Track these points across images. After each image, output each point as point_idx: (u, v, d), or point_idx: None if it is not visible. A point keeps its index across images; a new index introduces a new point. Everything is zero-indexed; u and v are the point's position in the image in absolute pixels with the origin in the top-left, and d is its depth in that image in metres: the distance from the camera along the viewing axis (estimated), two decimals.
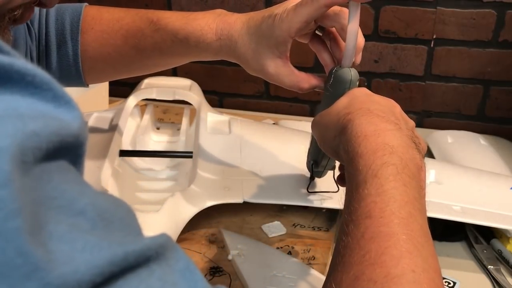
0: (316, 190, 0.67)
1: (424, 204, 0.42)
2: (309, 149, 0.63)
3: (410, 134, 0.47)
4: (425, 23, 0.98)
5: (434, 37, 0.99)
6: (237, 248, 0.62)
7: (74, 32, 0.63)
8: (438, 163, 0.80)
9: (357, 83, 0.54)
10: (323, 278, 0.45)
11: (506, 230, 0.68)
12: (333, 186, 0.61)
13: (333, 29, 0.56)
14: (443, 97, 1.03)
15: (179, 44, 0.60)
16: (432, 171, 0.73)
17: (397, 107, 0.50)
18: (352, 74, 0.53)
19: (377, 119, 0.45)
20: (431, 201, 0.67)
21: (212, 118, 0.79)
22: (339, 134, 0.46)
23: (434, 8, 0.97)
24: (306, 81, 0.59)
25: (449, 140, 0.92)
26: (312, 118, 0.54)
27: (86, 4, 0.66)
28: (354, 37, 0.51)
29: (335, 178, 0.58)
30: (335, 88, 0.54)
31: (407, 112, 1.09)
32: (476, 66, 0.99)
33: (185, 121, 0.84)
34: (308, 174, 0.66)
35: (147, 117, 0.84)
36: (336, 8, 0.53)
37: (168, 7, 1.07)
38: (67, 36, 0.63)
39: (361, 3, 0.50)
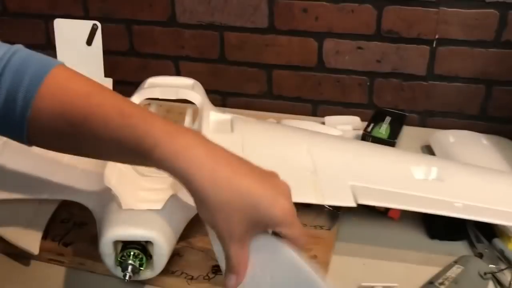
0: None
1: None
2: None
3: None
4: (427, 23, 0.98)
5: (437, 37, 0.99)
6: None
7: (31, 91, 0.53)
8: (439, 160, 0.80)
9: None
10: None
11: (508, 230, 0.68)
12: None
13: None
14: (446, 97, 1.03)
15: (140, 154, 0.51)
16: (434, 168, 0.73)
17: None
18: None
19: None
20: (433, 198, 0.67)
21: (215, 117, 0.79)
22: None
23: (437, 8, 0.97)
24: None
25: (451, 139, 0.92)
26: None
27: (59, 63, 0.56)
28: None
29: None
30: None
31: (409, 112, 1.10)
32: (479, 66, 0.99)
33: (187, 120, 0.85)
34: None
35: None
36: None
37: (172, 6, 1.07)
38: (20, 91, 0.53)
39: None
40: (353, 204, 0.63)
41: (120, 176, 0.68)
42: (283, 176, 0.67)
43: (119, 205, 0.58)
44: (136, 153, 0.50)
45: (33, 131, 0.54)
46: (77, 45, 0.93)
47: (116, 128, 0.51)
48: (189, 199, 0.49)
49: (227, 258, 0.49)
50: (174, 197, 0.59)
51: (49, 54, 0.69)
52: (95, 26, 0.92)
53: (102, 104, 0.53)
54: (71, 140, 0.55)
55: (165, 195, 0.60)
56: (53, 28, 0.92)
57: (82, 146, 0.55)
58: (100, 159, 0.61)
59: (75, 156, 0.67)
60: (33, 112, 0.53)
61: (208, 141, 0.51)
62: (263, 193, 0.48)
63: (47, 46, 1.15)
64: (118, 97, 0.55)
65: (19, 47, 0.55)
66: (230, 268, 0.49)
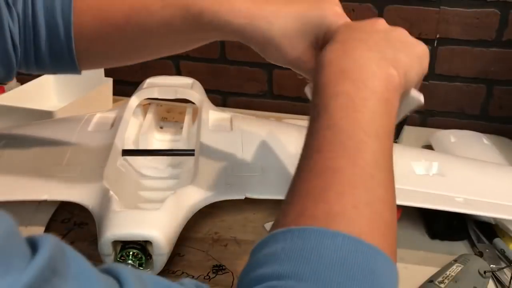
0: None
1: (388, 118, 0.42)
2: None
3: (378, 45, 0.45)
4: (428, 22, 0.98)
5: (438, 36, 0.99)
6: None
7: (66, 10, 0.57)
8: (440, 155, 0.80)
9: None
10: None
11: (509, 230, 0.68)
12: None
13: None
14: (446, 96, 1.03)
15: (192, 21, 0.54)
16: (435, 163, 0.73)
17: (376, 23, 0.48)
18: None
19: (339, 45, 0.45)
20: (434, 193, 0.67)
21: (214, 115, 0.79)
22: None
23: (438, 8, 0.97)
24: None
25: (452, 139, 0.92)
26: None
27: None
28: None
29: None
30: None
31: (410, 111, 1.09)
32: (480, 65, 0.99)
33: (187, 119, 0.85)
34: None
35: (150, 116, 0.85)
36: None
37: None
38: (57, 15, 0.56)
39: None
40: None
41: (119, 177, 0.68)
42: (282, 173, 0.67)
43: (118, 205, 0.57)
44: (185, 25, 0.54)
45: (80, 48, 0.58)
46: None
47: (160, 10, 0.54)
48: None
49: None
50: (173, 196, 0.59)
51: None
52: None
53: (141, 24, 0.55)
54: (117, 44, 0.58)
55: (164, 195, 0.60)
56: None
57: (132, 45, 0.58)
58: (152, 53, 0.62)
59: (75, 156, 0.67)
60: (76, 28, 0.56)
61: None
62: (308, 8, 0.52)
63: None
64: (154, 3, 0.56)
65: None
66: None
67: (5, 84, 0.61)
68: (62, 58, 0.59)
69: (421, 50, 0.48)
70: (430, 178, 0.71)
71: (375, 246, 0.35)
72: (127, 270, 0.30)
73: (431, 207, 0.65)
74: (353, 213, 0.36)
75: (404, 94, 0.47)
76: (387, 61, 0.43)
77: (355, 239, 0.34)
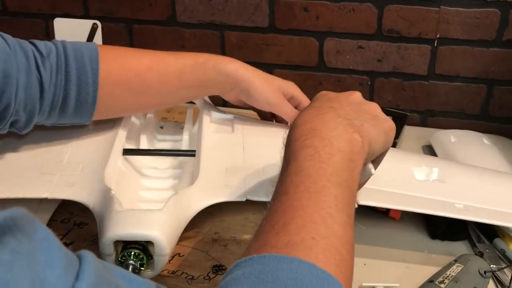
0: None
1: (350, 175, 0.45)
2: None
3: (347, 113, 0.50)
4: (428, 22, 0.98)
5: (438, 36, 0.99)
6: None
7: (94, 59, 0.65)
8: (441, 161, 0.80)
9: None
10: None
11: (509, 229, 0.68)
12: None
13: None
14: (447, 96, 1.03)
15: (199, 67, 0.69)
16: (435, 169, 0.73)
17: (351, 95, 0.54)
18: None
19: (313, 110, 0.50)
20: (434, 199, 0.67)
21: (215, 116, 0.79)
22: None
23: (438, 8, 0.97)
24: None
25: (453, 139, 0.92)
26: None
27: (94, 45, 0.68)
28: None
29: None
30: None
31: (410, 111, 1.09)
32: (480, 65, 0.99)
33: (188, 119, 0.85)
34: None
35: (150, 116, 0.85)
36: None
37: (172, 5, 1.07)
38: (86, 63, 0.64)
39: None
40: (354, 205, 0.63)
41: (120, 176, 0.68)
42: None
43: (120, 205, 0.57)
44: (193, 71, 0.69)
45: (104, 93, 0.66)
46: None
47: (174, 61, 0.69)
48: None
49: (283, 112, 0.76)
50: (174, 197, 0.59)
51: None
52: (95, 26, 0.92)
53: (159, 73, 0.68)
54: (137, 89, 0.68)
55: (166, 195, 0.60)
56: (53, 28, 0.92)
57: (149, 91, 0.69)
58: (164, 100, 0.73)
59: (75, 156, 0.67)
60: (102, 74, 0.65)
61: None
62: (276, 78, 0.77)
63: None
64: (164, 53, 0.70)
65: (55, 40, 0.66)
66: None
67: (23, 133, 0.65)
68: (86, 103, 0.65)
69: (388, 126, 0.52)
70: (430, 184, 0.71)
71: (330, 273, 0.37)
72: (91, 254, 0.31)
73: (431, 213, 0.65)
74: (311, 243, 0.38)
75: (365, 163, 0.51)
76: (354, 127, 0.48)
77: (311, 264, 0.37)
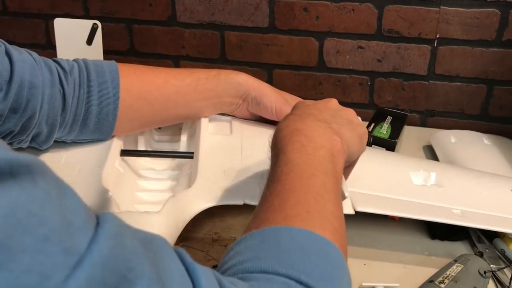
0: None
1: (334, 167, 0.50)
2: None
3: (325, 118, 0.55)
4: (428, 22, 0.98)
5: (438, 36, 0.99)
6: None
7: (114, 73, 0.68)
8: (439, 165, 0.80)
9: None
10: None
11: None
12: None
13: None
14: (447, 96, 1.03)
15: (212, 79, 0.73)
16: (433, 174, 0.73)
17: (328, 102, 0.59)
18: None
19: (294, 116, 0.55)
20: (431, 205, 0.67)
21: (214, 118, 0.79)
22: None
23: (438, 8, 0.97)
24: None
25: (453, 139, 0.92)
26: None
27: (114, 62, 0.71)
28: None
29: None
30: None
31: (410, 111, 1.09)
32: (480, 65, 0.99)
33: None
34: None
35: None
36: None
37: (172, 5, 1.07)
38: (107, 77, 0.67)
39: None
40: (352, 212, 0.62)
41: (118, 178, 0.67)
42: None
43: (117, 207, 0.57)
44: (207, 82, 0.73)
45: (124, 106, 0.68)
46: (77, 45, 0.93)
47: (189, 74, 0.73)
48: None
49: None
50: (172, 200, 0.58)
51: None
52: (95, 26, 0.92)
53: (176, 85, 0.72)
54: (155, 102, 0.71)
55: (163, 197, 0.60)
56: (53, 28, 0.92)
57: (167, 103, 0.72)
58: (180, 113, 0.75)
59: (72, 156, 0.67)
60: (122, 88, 0.68)
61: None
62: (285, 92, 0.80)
63: (47, 45, 1.15)
64: (178, 69, 0.79)
65: (77, 58, 0.69)
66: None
67: (43, 148, 0.67)
68: (107, 116, 0.68)
69: (362, 130, 0.58)
70: (428, 189, 0.71)
71: (328, 239, 0.41)
72: (113, 216, 0.33)
73: (428, 219, 0.65)
74: (306, 216, 0.42)
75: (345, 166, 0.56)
76: (332, 130, 0.53)
77: (309, 231, 0.41)
